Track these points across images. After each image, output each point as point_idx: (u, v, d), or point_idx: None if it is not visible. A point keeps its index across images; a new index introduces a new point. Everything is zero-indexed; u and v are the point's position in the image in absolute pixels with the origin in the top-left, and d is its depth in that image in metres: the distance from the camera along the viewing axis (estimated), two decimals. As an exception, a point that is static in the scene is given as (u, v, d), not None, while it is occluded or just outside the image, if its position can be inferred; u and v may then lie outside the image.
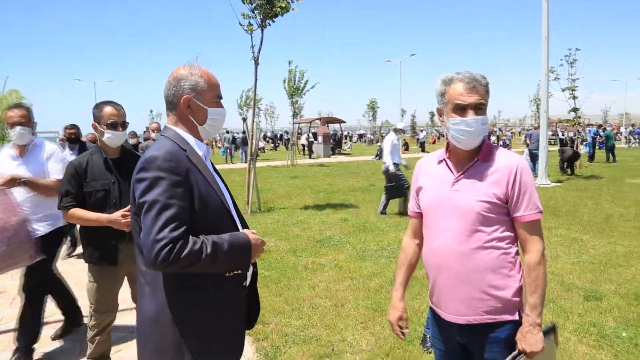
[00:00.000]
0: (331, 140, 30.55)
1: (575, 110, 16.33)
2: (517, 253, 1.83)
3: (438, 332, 2.03)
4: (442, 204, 1.88)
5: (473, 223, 1.79)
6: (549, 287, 4.86)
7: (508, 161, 1.80)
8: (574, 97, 16.23)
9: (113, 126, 3.02)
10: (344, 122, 37.09)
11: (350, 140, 46.11)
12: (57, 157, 3.66)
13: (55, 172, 3.56)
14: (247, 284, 1.76)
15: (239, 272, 1.68)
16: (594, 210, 9.06)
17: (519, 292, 1.81)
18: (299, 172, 18.02)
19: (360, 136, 56.86)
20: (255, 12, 9.22)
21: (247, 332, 3.84)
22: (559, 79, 16.32)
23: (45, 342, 3.91)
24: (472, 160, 1.84)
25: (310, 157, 28.01)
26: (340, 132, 41.30)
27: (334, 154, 30.19)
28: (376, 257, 6.05)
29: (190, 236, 1.51)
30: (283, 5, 9.10)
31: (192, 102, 1.71)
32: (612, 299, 4.55)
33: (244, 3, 9.18)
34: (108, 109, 3.04)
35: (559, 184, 13.15)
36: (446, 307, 1.90)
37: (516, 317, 1.81)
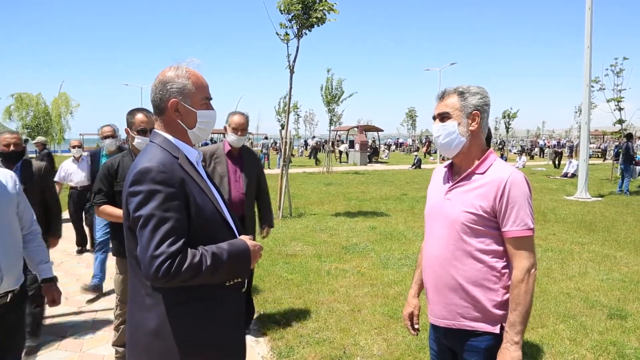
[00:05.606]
0: (368, 149, 30.49)
1: (620, 122, 15.73)
2: (505, 267, 1.81)
3: (432, 333, 2.11)
4: (436, 211, 1.97)
5: (458, 233, 1.84)
6: (571, 303, 4.77)
7: (499, 174, 1.79)
8: (620, 109, 15.66)
9: (142, 132, 3.26)
10: (382, 130, 37.05)
11: (389, 149, 45.79)
12: None
13: None
14: (244, 289, 1.75)
15: (239, 280, 1.67)
16: (633, 227, 8.72)
17: (503, 305, 1.80)
18: (333, 180, 18.13)
19: (398, 145, 56.33)
20: (292, 22, 9.47)
21: (264, 331, 4.03)
22: (603, 89, 15.81)
23: (75, 331, 4.19)
24: (467, 172, 1.89)
25: (340, 163, 28.40)
26: (378, 140, 41.13)
27: (370, 162, 30.14)
28: (399, 266, 6.09)
29: (189, 249, 1.48)
30: (319, 16, 9.29)
31: (180, 106, 1.65)
32: (639, 318, 4.42)
33: (282, 13, 9.44)
34: (139, 116, 3.29)
35: (599, 199, 12.70)
36: (432, 309, 1.99)
37: (497, 330, 1.81)
